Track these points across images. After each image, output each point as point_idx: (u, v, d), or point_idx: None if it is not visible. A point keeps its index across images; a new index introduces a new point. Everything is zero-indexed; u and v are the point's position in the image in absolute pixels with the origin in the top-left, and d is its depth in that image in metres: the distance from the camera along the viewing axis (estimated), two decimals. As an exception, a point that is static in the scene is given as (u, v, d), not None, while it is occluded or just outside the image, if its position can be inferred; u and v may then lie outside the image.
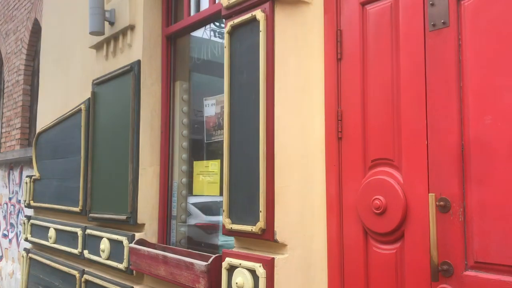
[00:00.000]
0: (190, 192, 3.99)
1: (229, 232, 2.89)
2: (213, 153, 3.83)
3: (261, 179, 2.69)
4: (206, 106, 3.98)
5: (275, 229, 2.64)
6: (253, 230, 2.69)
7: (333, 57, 2.67)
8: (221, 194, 3.42)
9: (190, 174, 4.02)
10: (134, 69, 4.06)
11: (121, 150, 4.14)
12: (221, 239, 3.51)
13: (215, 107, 3.87)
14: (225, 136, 2.98)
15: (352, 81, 2.57)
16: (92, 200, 4.54)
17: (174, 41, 4.15)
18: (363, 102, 2.50)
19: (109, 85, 4.46)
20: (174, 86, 4.12)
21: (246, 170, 2.82)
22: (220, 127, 3.78)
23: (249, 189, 2.78)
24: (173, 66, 4.13)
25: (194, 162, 3.85)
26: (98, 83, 4.64)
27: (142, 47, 4.03)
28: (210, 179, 3.61)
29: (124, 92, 4.17)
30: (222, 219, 2.95)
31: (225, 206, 2.92)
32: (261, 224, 2.66)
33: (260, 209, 2.67)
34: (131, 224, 3.93)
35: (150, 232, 3.96)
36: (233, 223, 2.85)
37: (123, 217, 3.97)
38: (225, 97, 3.00)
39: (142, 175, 3.96)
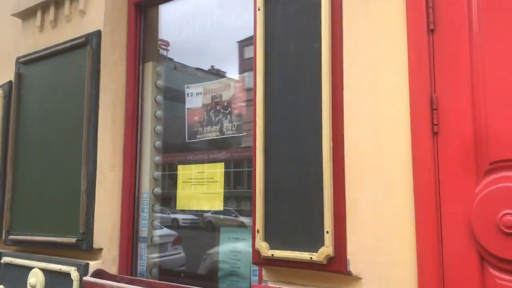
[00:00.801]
0: (166, 205, 3.07)
1: (268, 261, 2.09)
2: (202, 155, 2.98)
3: (325, 187, 1.95)
4: (188, 95, 3.11)
5: (347, 256, 1.92)
6: (314, 258, 1.94)
7: (421, 27, 2.03)
8: (227, 207, 2.61)
9: (165, 183, 3.10)
10: (91, 42, 3.06)
11: (67, 150, 3.09)
12: (222, 267, 2.66)
13: (203, 96, 3.02)
14: (258, 129, 2.19)
15: (453, 58, 1.95)
16: (12, 217, 3.38)
17: (145, 11, 3.24)
18: (472, 85, 1.89)
19: (46, 65, 3.37)
20: (144, 68, 3.20)
21: (296, 175, 2.06)
22: (211, 122, 2.95)
23: (302, 201, 2.02)
24: (144, 43, 3.21)
25: (179, 167, 2.95)
26: (27, 62, 3.51)
27: (103, 15, 3.06)
28: (207, 188, 2.75)
29: (74, 72, 3.14)
30: (254, 242, 2.14)
31: (259, 225, 2.11)
32: (327, 250, 1.91)
33: (325, 229, 1.93)
34: (83, 249, 2.90)
35: (109, 260, 2.96)
36: (274, 248, 2.06)
37: (72, 239, 2.93)
38: (258, 77, 2.21)
39: (100, 182, 2.95)
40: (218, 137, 2.93)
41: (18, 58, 3.57)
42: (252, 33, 2.32)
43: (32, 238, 3.17)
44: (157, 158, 3.11)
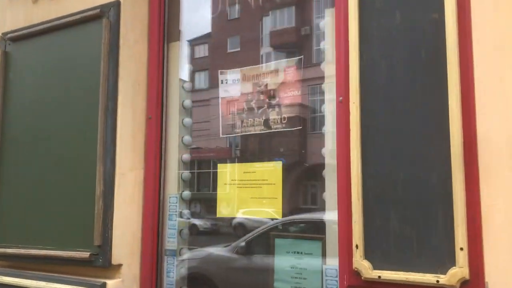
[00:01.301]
0: (198, 211, 2.58)
1: (372, 285, 1.67)
2: (247, 152, 2.52)
3: (456, 193, 1.56)
4: (223, 82, 2.64)
5: (485, 279, 1.53)
6: (442, 281, 1.54)
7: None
8: (285, 216, 2.17)
9: (193, 184, 2.62)
10: (108, 15, 2.52)
11: (74, 146, 2.55)
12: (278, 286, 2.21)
13: (241, 84, 2.56)
14: (352, 119, 1.77)
15: None
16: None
17: (171, -19, 2.73)
18: None
19: (43, 42, 2.80)
20: (169, 49, 2.68)
21: (410, 177, 1.65)
22: (253, 114, 2.49)
23: (420, 210, 1.62)
24: (168, 19, 2.70)
25: (220, 166, 2.47)
26: (16, 39, 2.92)
27: (123, -19, 2.53)
28: (259, 192, 2.29)
29: (84, 51, 2.60)
30: (348, 261, 1.71)
31: (357, 239, 1.69)
32: (461, 271, 1.52)
33: (458, 245, 1.53)
34: (98, 265, 2.37)
35: (129, 278, 2.44)
36: (380, 268, 1.64)
37: (84, 254, 2.38)
38: (352, 54, 1.78)
39: (119, 184, 2.43)
40: (264, 132, 2.48)
41: (4, 34, 2.97)
42: None
43: (26, 251, 2.59)
44: (186, 156, 2.61)
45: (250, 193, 2.31)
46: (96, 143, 2.44)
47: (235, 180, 2.38)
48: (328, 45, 2.17)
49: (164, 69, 2.63)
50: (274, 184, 2.24)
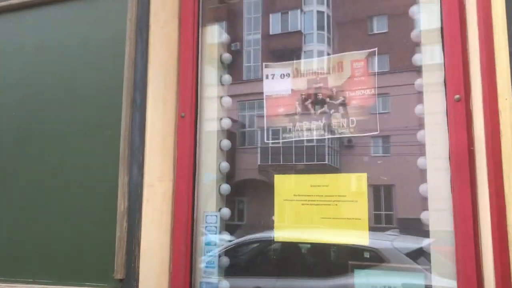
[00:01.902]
0: (240, 232, 2.10)
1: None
2: (306, 162, 2.08)
3: None
4: (268, 77, 2.19)
5: None
6: None
7: None
8: (372, 241, 1.75)
9: (232, 200, 2.13)
10: (136, -15, 2.01)
11: (86, 149, 1.99)
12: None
13: (292, 80, 2.14)
14: (504, 119, 1.38)
15: None
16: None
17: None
18: None
19: (38, 16, 2.22)
20: (204, 34, 2.20)
21: None
22: (309, 116, 2.08)
23: None
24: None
25: (277, 177, 2.00)
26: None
27: None
28: (334, 211, 1.84)
29: (99, 29, 2.06)
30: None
31: None
32: None
33: None
34: (120, 305, 1.81)
35: (157, 321, 1.90)
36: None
37: (101, 290, 1.82)
38: (499, 39, 1.42)
39: (148, 199, 1.90)
40: (324, 138, 2.06)
41: (-21, 7, 2.35)
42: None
43: (14, 286, 1.97)
44: (225, 165, 2.12)
45: (321, 212, 1.86)
46: (118, 145, 1.90)
47: (298, 195, 1.93)
48: (429, 32, 1.79)
49: (199, 58, 2.13)
50: (356, 201, 1.81)
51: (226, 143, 2.15)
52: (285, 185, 1.97)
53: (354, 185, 1.84)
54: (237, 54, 2.31)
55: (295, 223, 1.91)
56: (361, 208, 1.79)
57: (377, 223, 1.87)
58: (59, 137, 2.04)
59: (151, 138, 1.94)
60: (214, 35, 2.22)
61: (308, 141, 2.11)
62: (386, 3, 2.22)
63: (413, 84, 1.87)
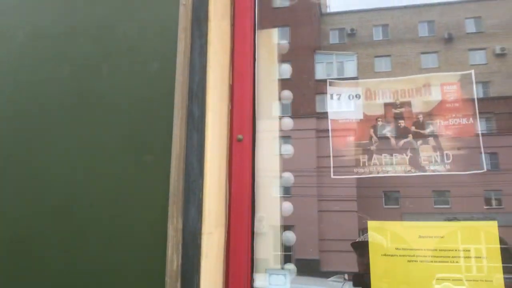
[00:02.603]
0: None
1: None
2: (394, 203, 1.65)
3: None
4: (332, 97, 1.77)
5: None
6: None
7: None
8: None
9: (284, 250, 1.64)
10: (192, -39, 1.50)
11: (114, 184, 1.39)
12: None
13: (364, 102, 1.74)
14: None
15: None
16: None
17: None
18: None
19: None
20: (260, 39, 1.73)
21: None
22: (389, 146, 1.68)
23: None
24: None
25: (371, 224, 1.54)
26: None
27: None
28: (451, 269, 1.42)
29: (136, 17, 1.51)
30: None
31: None
32: None
33: None
34: None
35: None
36: None
37: None
38: None
39: (207, 253, 1.34)
40: (411, 175, 1.66)
41: None
42: None
43: None
44: (288, 206, 1.63)
45: (437, 271, 1.43)
46: (164, 176, 1.34)
47: (401, 248, 1.48)
48: None
49: (256, 66, 1.65)
50: (484, 257, 1.41)
51: (287, 177, 1.67)
52: (381, 235, 1.52)
53: (480, 235, 1.45)
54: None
55: (401, 285, 1.45)
56: (495, 266, 1.40)
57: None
58: (68, 166, 1.42)
59: (211, 167, 1.40)
60: (272, 40, 1.75)
61: (392, 177, 1.70)
62: None
63: None
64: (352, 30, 1.84)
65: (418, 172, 1.66)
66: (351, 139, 1.73)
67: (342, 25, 1.85)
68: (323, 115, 1.75)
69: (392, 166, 1.68)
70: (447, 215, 1.62)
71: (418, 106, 1.73)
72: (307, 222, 1.80)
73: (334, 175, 1.71)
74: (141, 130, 1.40)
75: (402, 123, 1.73)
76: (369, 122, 1.74)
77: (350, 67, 1.87)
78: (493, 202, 1.69)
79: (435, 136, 1.68)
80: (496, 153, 1.70)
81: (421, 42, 1.76)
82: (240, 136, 1.55)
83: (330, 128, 1.74)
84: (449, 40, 1.75)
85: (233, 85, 1.60)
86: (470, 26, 1.76)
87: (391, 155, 1.69)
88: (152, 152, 1.37)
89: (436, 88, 1.72)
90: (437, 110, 1.71)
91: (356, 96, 1.76)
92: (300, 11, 1.96)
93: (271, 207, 1.62)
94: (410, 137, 1.71)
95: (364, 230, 1.55)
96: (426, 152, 1.67)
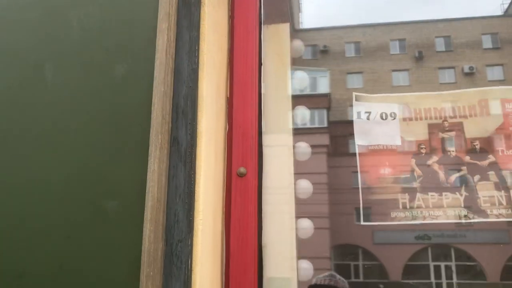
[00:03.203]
0: None
1: None
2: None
3: None
4: (360, 116, 1.34)
5: None
6: None
7: None
8: None
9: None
10: None
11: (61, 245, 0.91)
12: None
13: (401, 122, 1.32)
14: None
15: None
16: None
17: None
18: None
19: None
20: (267, 37, 1.30)
21: None
22: (437, 183, 1.26)
23: None
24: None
25: None
26: None
27: None
28: None
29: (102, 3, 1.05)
30: None
31: None
32: None
33: None
34: None
35: None
36: None
37: None
38: None
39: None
40: (468, 222, 1.24)
41: None
42: None
43: None
44: (307, 267, 1.18)
45: None
46: (134, 235, 0.88)
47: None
48: None
49: (260, 71, 1.22)
50: None
51: (306, 225, 1.22)
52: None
53: None
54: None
55: None
56: None
57: None
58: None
59: (205, 218, 0.94)
60: (283, 38, 1.32)
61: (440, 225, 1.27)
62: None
63: None
64: (325, 46, 1.65)
65: (478, 218, 1.24)
66: (386, 171, 1.31)
67: (315, 42, 1.65)
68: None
69: (443, 210, 1.25)
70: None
71: (472, 129, 1.32)
72: None
73: (364, 221, 1.28)
74: (100, 163, 0.94)
75: (452, 151, 1.31)
76: (409, 149, 1.32)
77: (323, 83, 1.65)
78: None
79: (497, 169, 1.27)
80: None
81: (392, 60, 1.62)
82: (242, 170, 1.11)
83: (358, 157, 1.31)
84: (419, 58, 1.70)
85: (232, 99, 1.16)
86: (440, 45, 1.69)
87: (440, 194, 1.27)
88: (117, 196, 0.91)
89: (495, 105, 1.31)
90: (498, 135, 1.30)
91: (391, 114, 1.34)
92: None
93: (283, 266, 1.17)
94: (465, 170, 1.29)
95: None
96: (486, 191, 1.26)
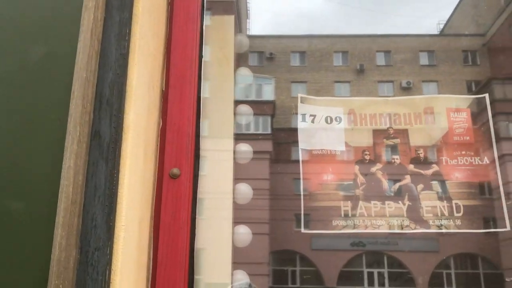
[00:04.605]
0: None
1: None
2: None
3: None
4: (305, 119, 1.28)
5: None
6: None
7: None
8: None
9: None
10: None
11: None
12: None
13: (345, 130, 1.27)
14: None
15: None
16: None
17: None
18: None
19: None
20: (210, 28, 1.20)
21: None
22: (380, 192, 1.23)
23: None
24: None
25: None
26: None
27: None
28: None
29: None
30: None
31: None
32: None
33: None
34: None
35: None
36: None
37: None
38: None
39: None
40: (410, 232, 1.20)
41: None
42: None
43: None
44: (241, 278, 1.09)
45: None
46: (42, 236, 0.76)
47: None
48: None
49: (202, 71, 1.12)
50: None
51: (244, 231, 1.13)
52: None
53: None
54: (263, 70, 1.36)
55: None
56: None
57: None
58: None
59: (128, 224, 0.83)
60: (228, 31, 1.23)
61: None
62: None
63: None
64: (271, 54, 1.62)
65: (420, 228, 1.20)
66: (329, 177, 1.24)
67: (261, 49, 1.61)
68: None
69: (385, 219, 1.21)
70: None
71: (417, 137, 1.28)
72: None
73: (305, 229, 1.21)
74: (9, 159, 0.80)
75: (397, 159, 1.27)
76: (353, 155, 1.27)
77: (268, 90, 1.61)
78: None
79: (440, 179, 1.24)
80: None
81: (335, 71, 1.63)
82: (175, 171, 1.00)
83: (300, 162, 1.24)
84: (361, 71, 1.72)
85: (168, 92, 1.06)
86: (380, 59, 1.74)
87: (383, 203, 1.22)
88: (26, 196, 0.78)
89: (441, 114, 1.29)
90: (443, 144, 1.27)
91: (336, 119, 1.29)
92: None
93: (221, 276, 1.07)
94: (408, 179, 1.25)
95: None
96: (429, 200, 1.22)
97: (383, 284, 1.66)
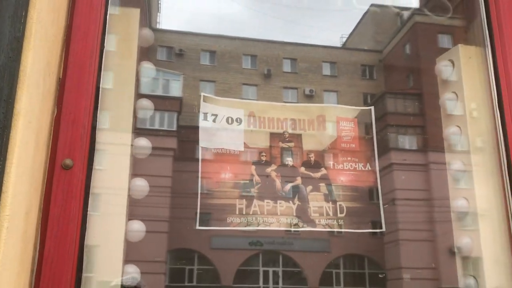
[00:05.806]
0: None
1: None
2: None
3: None
4: (207, 118, 1.32)
5: None
6: None
7: None
8: None
9: None
10: None
11: None
12: None
13: (245, 131, 1.34)
14: None
15: None
16: None
17: None
18: None
19: None
20: (114, 19, 1.19)
21: None
22: (273, 192, 1.31)
23: None
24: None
25: None
26: None
27: None
28: None
29: None
30: None
31: None
32: None
33: None
34: None
35: None
36: None
37: None
38: None
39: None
40: (298, 230, 1.29)
41: None
42: None
43: None
44: (132, 270, 1.10)
45: None
46: None
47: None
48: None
49: (101, 62, 1.10)
50: None
51: (138, 227, 1.13)
52: None
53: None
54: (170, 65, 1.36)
55: None
56: None
57: None
58: None
59: (13, 214, 0.80)
60: (132, 24, 1.22)
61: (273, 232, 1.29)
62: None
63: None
64: (180, 50, 1.64)
65: (307, 226, 1.29)
66: (227, 176, 1.29)
67: (171, 44, 1.63)
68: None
69: (276, 217, 1.28)
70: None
71: (309, 142, 1.37)
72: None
73: (200, 225, 1.24)
74: None
75: (290, 161, 1.35)
76: (251, 156, 1.32)
77: (176, 87, 1.63)
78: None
79: (328, 182, 1.34)
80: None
81: (244, 74, 1.71)
82: (68, 162, 0.98)
83: (200, 160, 1.26)
84: (268, 76, 1.79)
85: (65, 80, 1.03)
86: (287, 66, 1.82)
87: (276, 202, 1.29)
88: None
89: (331, 122, 1.39)
90: (332, 150, 1.37)
91: (237, 120, 1.33)
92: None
93: (111, 273, 1.06)
94: (299, 180, 1.33)
95: None
96: (316, 201, 1.31)
97: (277, 283, 1.75)
